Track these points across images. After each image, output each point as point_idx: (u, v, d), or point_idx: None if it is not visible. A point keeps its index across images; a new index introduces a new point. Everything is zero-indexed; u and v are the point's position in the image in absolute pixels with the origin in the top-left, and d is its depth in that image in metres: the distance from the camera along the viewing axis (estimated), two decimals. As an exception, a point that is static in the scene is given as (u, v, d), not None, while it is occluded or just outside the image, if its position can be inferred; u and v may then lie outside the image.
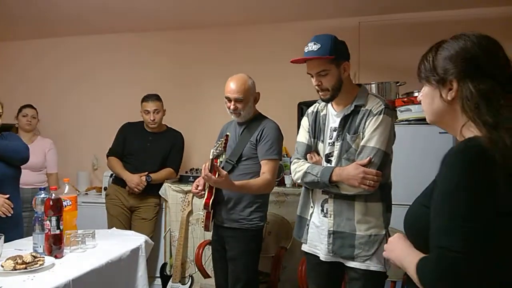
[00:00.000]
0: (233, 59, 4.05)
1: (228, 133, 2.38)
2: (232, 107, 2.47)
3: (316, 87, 1.97)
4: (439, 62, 1.14)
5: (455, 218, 0.99)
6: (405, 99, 2.96)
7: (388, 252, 1.24)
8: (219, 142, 2.31)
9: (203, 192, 2.48)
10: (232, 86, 2.47)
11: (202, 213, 2.61)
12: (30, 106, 3.88)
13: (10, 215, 2.44)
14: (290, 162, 2.20)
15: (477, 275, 0.97)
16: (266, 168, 2.44)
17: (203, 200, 2.46)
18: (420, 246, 1.11)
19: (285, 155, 3.68)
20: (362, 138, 1.90)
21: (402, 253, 1.16)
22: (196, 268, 3.15)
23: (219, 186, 2.34)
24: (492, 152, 0.99)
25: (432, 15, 3.63)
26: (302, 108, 3.40)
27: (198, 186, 2.50)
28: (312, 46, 1.92)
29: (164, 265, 3.63)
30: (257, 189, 2.42)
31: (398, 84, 3.26)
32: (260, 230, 2.56)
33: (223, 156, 2.35)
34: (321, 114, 2.08)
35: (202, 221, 2.59)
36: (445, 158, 1.06)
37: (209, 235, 3.18)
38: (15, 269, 1.71)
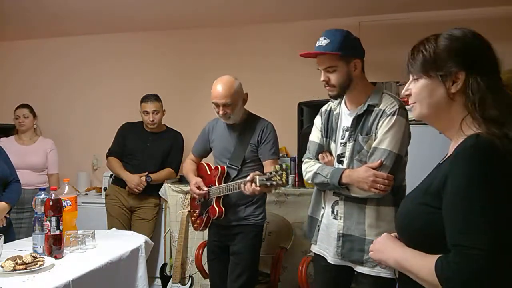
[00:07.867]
0: (233, 59, 4.05)
1: (287, 167, 2.15)
2: (221, 112, 2.44)
3: (323, 82, 1.90)
4: (443, 53, 1.10)
5: (475, 214, 0.96)
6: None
7: (376, 253, 1.20)
8: (278, 173, 2.08)
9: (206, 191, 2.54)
10: (219, 91, 2.41)
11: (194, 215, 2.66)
12: (23, 106, 3.77)
13: None
14: (301, 162, 2.11)
15: (504, 272, 0.94)
16: (272, 168, 2.44)
17: (216, 212, 2.48)
18: (416, 246, 1.08)
19: (285, 155, 3.68)
20: (375, 140, 1.81)
21: (400, 254, 1.12)
22: (196, 268, 3.15)
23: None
24: (500, 147, 0.98)
25: (432, 15, 3.62)
26: (302, 108, 3.39)
27: (199, 187, 2.56)
28: (322, 41, 1.85)
29: (164, 265, 3.62)
30: None
31: (398, 84, 3.26)
32: (262, 227, 2.61)
33: (283, 188, 2.10)
34: (334, 113, 2.00)
35: (198, 223, 2.64)
36: (456, 155, 1.03)
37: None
38: (15, 270, 1.71)
